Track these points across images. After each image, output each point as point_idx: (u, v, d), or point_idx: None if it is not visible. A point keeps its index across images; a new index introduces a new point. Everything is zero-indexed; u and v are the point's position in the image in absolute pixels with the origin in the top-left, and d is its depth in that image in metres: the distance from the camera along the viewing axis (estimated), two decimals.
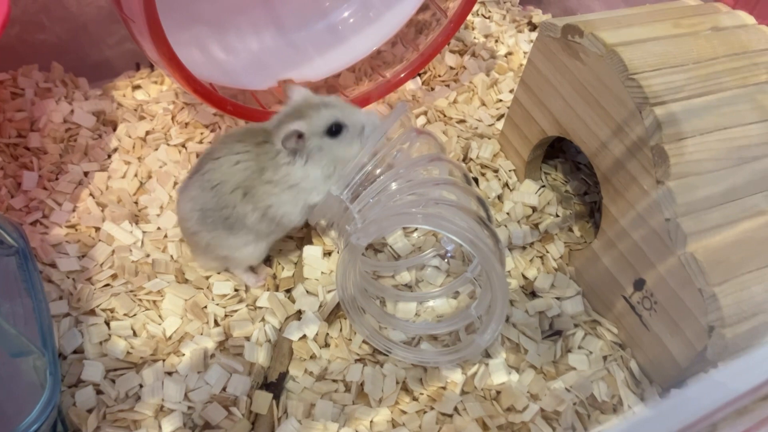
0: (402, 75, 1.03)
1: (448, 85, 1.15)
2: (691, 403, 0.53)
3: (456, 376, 0.80)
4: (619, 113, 0.78)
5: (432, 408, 0.77)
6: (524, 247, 0.93)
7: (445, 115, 1.09)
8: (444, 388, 0.79)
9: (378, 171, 0.80)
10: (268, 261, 0.89)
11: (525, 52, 1.20)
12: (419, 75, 1.16)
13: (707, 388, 0.54)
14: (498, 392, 0.80)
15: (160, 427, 0.73)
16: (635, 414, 0.65)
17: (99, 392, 0.76)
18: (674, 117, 0.75)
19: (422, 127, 1.06)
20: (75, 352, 0.78)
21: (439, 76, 1.16)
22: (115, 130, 1.02)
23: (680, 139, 0.75)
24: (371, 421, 0.76)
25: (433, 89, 1.15)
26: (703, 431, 0.57)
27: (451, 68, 1.17)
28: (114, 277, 0.85)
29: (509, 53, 1.21)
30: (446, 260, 0.91)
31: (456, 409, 0.78)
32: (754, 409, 0.62)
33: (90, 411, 0.74)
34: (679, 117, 0.75)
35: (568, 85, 0.86)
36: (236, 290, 0.85)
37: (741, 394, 0.54)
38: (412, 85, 1.14)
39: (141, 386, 0.76)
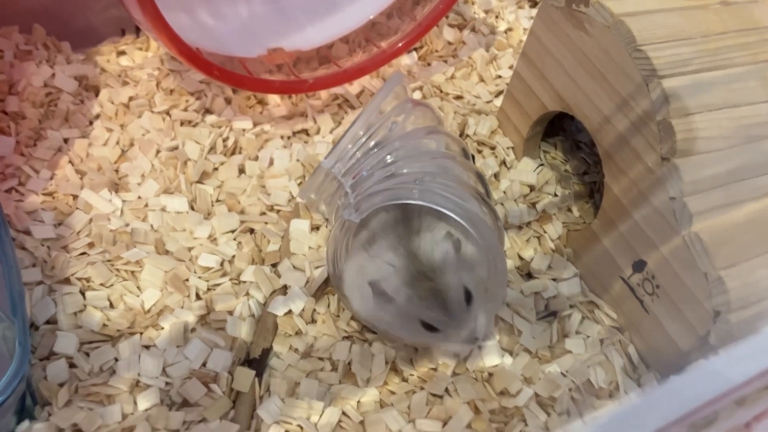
0: (399, 44, 0.99)
1: (445, 61, 1.11)
2: (690, 391, 0.50)
3: (447, 357, 0.76)
4: (624, 87, 0.75)
5: (422, 388, 0.74)
6: (521, 227, 0.90)
7: (441, 91, 1.05)
8: (435, 369, 0.76)
9: (372, 143, 0.76)
10: (252, 233, 0.85)
11: (525, 29, 1.16)
12: (415, 50, 1.12)
13: (707, 375, 0.52)
14: (491, 374, 0.77)
15: (135, 402, 0.70)
16: (632, 400, 0.62)
17: (72, 365, 0.72)
18: (682, 91, 0.71)
19: None
20: (48, 322, 0.74)
21: (436, 51, 1.12)
22: (97, 95, 0.98)
23: (688, 115, 0.71)
24: (358, 402, 0.73)
25: (429, 65, 1.11)
26: (702, 420, 0.55)
27: (449, 43, 1.13)
28: (91, 245, 0.81)
29: (509, 29, 1.17)
30: None
31: (447, 390, 0.74)
32: (757, 399, 0.60)
33: (62, 385, 0.70)
34: (687, 92, 0.72)
35: (572, 58, 0.82)
36: (221, 264, 0.81)
37: (742, 383, 0.52)
38: (407, 60, 1.11)
39: (116, 360, 0.73)
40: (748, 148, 0.74)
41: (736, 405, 0.59)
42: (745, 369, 0.52)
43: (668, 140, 0.71)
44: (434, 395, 0.74)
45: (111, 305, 0.77)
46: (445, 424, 0.72)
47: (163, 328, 0.75)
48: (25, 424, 0.66)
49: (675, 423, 0.47)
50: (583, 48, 0.80)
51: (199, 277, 0.80)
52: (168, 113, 0.96)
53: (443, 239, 0.66)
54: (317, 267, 0.81)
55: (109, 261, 0.80)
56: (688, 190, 0.71)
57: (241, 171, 0.92)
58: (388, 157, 0.74)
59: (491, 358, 0.78)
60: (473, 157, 0.95)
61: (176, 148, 0.92)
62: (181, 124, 0.95)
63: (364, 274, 0.68)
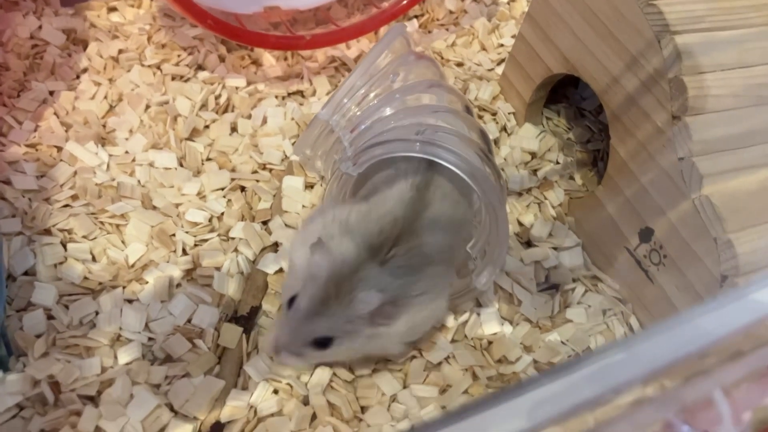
0: (404, 2, 0.95)
1: (447, 29, 1.08)
2: (677, 339, 0.47)
3: (448, 320, 0.73)
4: (634, 44, 0.72)
5: (421, 355, 0.71)
6: (521, 193, 0.87)
7: (442, 57, 1.02)
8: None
9: (371, 95, 0.73)
10: (242, 190, 0.82)
11: (528, 1, 1.14)
12: (416, 17, 1.09)
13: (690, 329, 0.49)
14: (489, 342, 0.74)
15: (115, 356, 0.66)
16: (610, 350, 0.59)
17: (50, 317, 0.68)
18: (694, 48, 0.69)
19: None
20: (26, 273, 0.71)
21: (438, 19, 1.09)
22: (85, 49, 0.94)
23: (700, 73, 0.69)
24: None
25: (430, 32, 1.08)
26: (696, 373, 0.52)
27: (451, 12, 1.10)
28: (74, 198, 0.77)
29: (512, 0, 1.14)
30: None
31: (446, 358, 0.72)
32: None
33: (39, 336, 0.67)
34: (699, 49, 0.69)
35: (579, 17, 0.79)
36: (209, 220, 0.78)
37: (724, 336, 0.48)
38: (407, 27, 1.07)
39: (97, 314, 0.69)
40: (760, 109, 0.71)
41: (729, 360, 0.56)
42: (727, 324, 0.49)
43: (679, 97, 0.68)
44: (432, 363, 0.71)
45: (93, 258, 0.74)
46: (443, 391, 0.69)
47: (147, 283, 0.72)
48: None
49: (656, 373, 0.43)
50: (591, 5, 0.77)
51: (186, 232, 0.76)
52: (159, 67, 0.93)
53: (380, 295, 0.62)
54: None
55: (92, 214, 0.76)
56: (698, 149, 0.68)
57: (233, 129, 0.88)
58: (388, 109, 0.71)
59: (490, 326, 0.75)
60: None
61: (166, 103, 0.88)
62: (173, 78, 0.92)
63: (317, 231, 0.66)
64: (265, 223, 0.79)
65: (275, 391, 0.66)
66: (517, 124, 0.94)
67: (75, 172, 0.80)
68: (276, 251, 0.76)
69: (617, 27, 0.74)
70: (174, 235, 0.76)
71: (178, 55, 0.94)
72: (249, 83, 0.93)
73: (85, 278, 0.71)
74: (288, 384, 0.66)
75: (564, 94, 0.97)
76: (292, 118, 0.89)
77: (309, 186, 0.82)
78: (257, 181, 0.82)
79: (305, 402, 0.66)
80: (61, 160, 0.81)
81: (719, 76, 0.70)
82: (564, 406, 0.38)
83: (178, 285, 0.72)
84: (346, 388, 0.67)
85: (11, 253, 0.71)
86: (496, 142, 0.91)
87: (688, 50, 0.68)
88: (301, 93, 0.95)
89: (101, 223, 0.76)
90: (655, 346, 0.44)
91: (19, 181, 0.77)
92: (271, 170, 0.84)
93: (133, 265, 0.73)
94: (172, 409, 0.64)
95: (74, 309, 0.69)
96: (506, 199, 0.80)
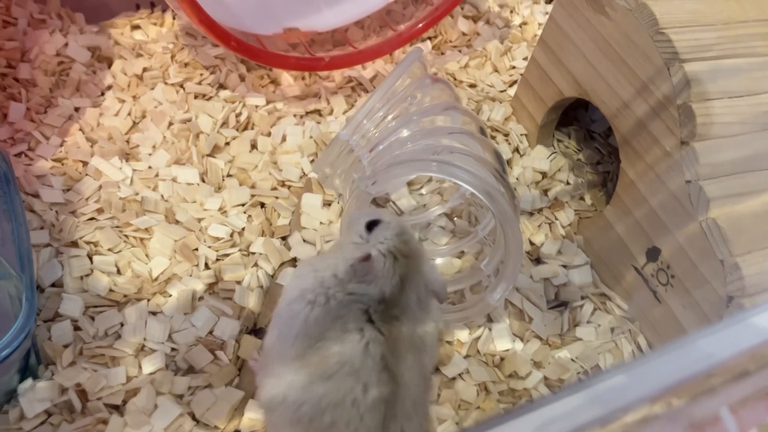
0: (419, 26, 0.98)
1: (459, 51, 1.11)
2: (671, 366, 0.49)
3: (462, 335, 0.76)
4: (644, 71, 0.75)
5: (438, 370, 0.73)
6: (532, 213, 0.89)
7: (455, 79, 1.05)
8: (450, 342, 0.76)
9: (390, 117, 0.75)
10: (262, 207, 0.84)
11: (540, 24, 1.16)
12: (429, 39, 1.11)
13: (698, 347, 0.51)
14: (501, 359, 0.76)
15: (140, 366, 0.69)
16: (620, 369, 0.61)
17: (77, 328, 0.71)
18: (702, 76, 0.71)
19: None
20: (53, 285, 0.73)
21: (450, 41, 1.12)
22: (110, 66, 0.97)
23: (707, 100, 0.71)
24: None
25: (443, 54, 1.10)
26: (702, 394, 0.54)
27: (464, 34, 1.13)
28: (100, 211, 0.80)
29: (524, 23, 1.17)
30: (453, 220, 0.87)
31: (460, 373, 0.74)
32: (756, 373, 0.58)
33: (66, 346, 0.69)
34: (707, 77, 0.71)
35: (591, 43, 0.82)
36: (230, 235, 0.80)
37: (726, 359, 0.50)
38: (423, 51, 1.10)
39: (122, 325, 0.72)
40: (766, 135, 0.73)
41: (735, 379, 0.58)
42: (733, 345, 0.50)
43: (688, 124, 0.70)
44: (447, 377, 0.73)
45: (118, 271, 0.76)
46: (459, 406, 0.71)
47: (170, 296, 0.74)
48: (28, 382, 0.65)
49: (659, 395, 0.45)
50: (603, 32, 0.80)
51: (209, 247, 0.79)
52: (182, 86, 0.96)
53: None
54: (328, 241, 0.80)
55: (117, 227, 0.79)
56: (705, 173, 0.70)
57: (253, 146, 0.91)
58: (405, 131, 0.74)
59: (502, 342, 0.77)
60: None
61: (189, 120, 0.91)
62: (195, 97, 0.94)
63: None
64: (284, 238, 0.81)
65: None
66: (529, 145, 0.96)
67: (100, 186, 0.83)
68: (295, 266, 0.78)
69: (628, 54, 0.77)
70: (197, 249, 0.78)
71: (201, 74, 0.97)
72: (268, 102, 0.96)
73: (111, 290, 0.74)
74: None
75: (575, 117, 1.00)
76: (311, 137, 0.92)
77: (327, 203, 0.85)
78: (276, 197, 0.85)
79: None
80: (86, 175, 0.84)
81: (726, 103, 0.72)
82: (574, 423, 0.40)
83: (201, 298, 0.75)
84: None
85: (39, 264, 0.74)
86: (509, 162, 0.93)
87: (697, 78, 0.70)
88: (318, 112, 0.98)
89: (126, 236, 0.78)
90: (664, 367, 0.46)
91: (47, 194, 0.80)
92: (289, 187, 0.87)
93: (156, 279, 0.76)
94: (194, 418, 0.66)
95: (100, 320, 0.71)
96: (519, 218, 0.83)
